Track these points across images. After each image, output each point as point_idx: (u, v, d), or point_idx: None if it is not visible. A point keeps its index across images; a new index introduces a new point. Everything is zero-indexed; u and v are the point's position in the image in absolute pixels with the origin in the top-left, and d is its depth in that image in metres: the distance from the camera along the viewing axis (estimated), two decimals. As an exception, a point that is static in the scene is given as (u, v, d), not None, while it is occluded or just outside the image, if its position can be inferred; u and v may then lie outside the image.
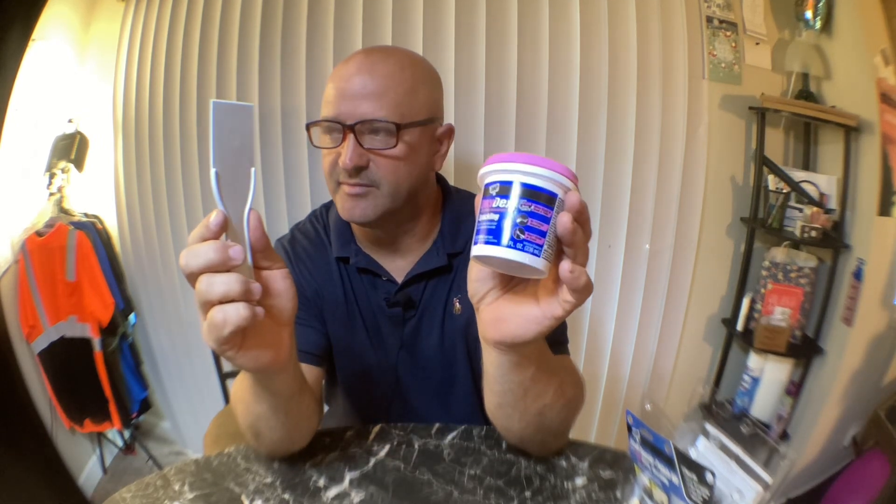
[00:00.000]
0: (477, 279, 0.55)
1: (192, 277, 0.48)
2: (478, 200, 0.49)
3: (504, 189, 0.45)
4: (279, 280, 0.53)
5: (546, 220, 0.44)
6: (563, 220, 0.44)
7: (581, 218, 0.46)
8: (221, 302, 0.47)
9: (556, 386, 0.64)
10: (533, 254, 0.44)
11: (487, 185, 0.46)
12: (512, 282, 0.54)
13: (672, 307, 1.59)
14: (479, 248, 0.46)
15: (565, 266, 0.46)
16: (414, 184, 0.78)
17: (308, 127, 0.78)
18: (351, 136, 0.73)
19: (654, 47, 1.42)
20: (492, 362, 0.59)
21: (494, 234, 0.45)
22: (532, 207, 0.44)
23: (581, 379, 0.73)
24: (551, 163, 0.44)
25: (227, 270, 0.47)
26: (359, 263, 0.83)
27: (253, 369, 0.56)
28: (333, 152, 0.75)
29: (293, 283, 0.55)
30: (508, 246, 0.44)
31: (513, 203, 0.44)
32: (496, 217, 0.45)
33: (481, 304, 0.56)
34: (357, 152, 0.73)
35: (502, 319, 0.54)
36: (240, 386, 0.68)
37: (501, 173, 0.45)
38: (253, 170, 0.50)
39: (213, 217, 0.48)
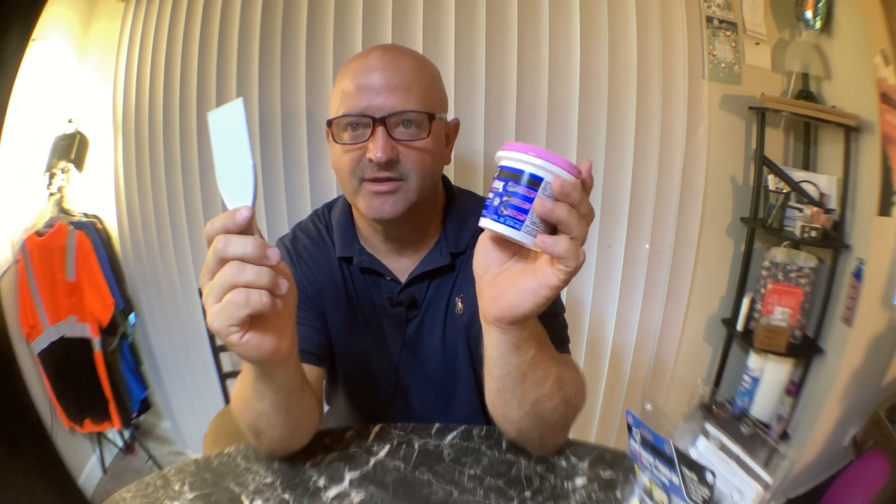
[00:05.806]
0: (480, 253, 0.59)
1: (221, 262, 0.50)
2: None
3: (501, 172, 0.53)
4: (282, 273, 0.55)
5: (528, 200, 0.51)
6: (537, 201, 0.51)
7: (568, 199, 0.50)
8: (245, 287, 0.50)
9: (555, 376, 0.65)
10: (512, 227, 0.52)
11: (498, 168, 0.54)
12: (513, 258, 0.57)
13: (672, 307, 1.59)
14: (480, 220, 0.55)
15: (539, 237, 0.51)
16: (435, 176, 0.80)
17: (330, 124, 0.77)
18: (381, 129, 0.72)
19: (654, 47, 1.42)
20: (491, 343, 0.61)
21: (488, 209, 0.53)
22: (516, 188, 0.51)
23: (582, 378, 0.73)
24: (545, 153, 0.51)
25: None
26: (362, 263, 0.83)
27: (255, 359, 0.56)
28: (355, 150, 0.74)
29: (291, 274, 0.57)
30: (493, 219, 0.52)
31: (503, 184, 0.52)
32: (492, 195, 0.53)
33: (483, 280, 0.59)
34: (389, 144, 0.73)
35: (501, 293, 0.57)
36: (241, 385, 0.68)
37: (502, 159, 0.53)
38: (252, 164, 0.52)
39: (242, 212, 0.50)
